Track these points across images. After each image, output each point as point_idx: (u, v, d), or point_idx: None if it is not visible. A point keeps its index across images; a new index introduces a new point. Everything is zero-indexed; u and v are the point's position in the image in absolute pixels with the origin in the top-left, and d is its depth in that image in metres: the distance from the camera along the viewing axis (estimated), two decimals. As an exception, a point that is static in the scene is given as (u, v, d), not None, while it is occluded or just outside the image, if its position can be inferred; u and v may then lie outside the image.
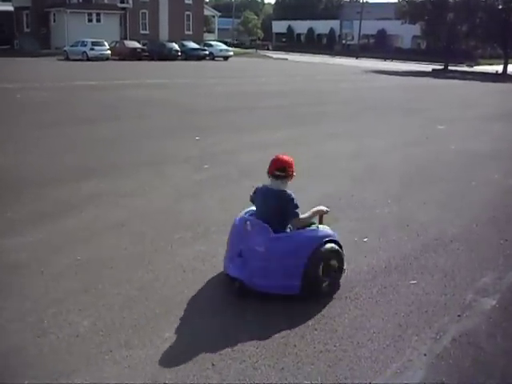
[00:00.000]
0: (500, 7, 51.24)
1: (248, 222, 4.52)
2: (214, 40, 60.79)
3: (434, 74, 45.62)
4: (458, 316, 4.27)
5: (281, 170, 4.45)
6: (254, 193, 4.69)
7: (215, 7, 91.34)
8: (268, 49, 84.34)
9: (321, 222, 4.78)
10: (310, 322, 4.08)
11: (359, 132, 13.09)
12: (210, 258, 5.17)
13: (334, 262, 4.50)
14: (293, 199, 4.41)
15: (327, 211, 4.77)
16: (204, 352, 3.67)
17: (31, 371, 3.40)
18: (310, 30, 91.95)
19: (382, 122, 15.18)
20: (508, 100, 25.49)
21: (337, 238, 4.57)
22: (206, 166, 8.79)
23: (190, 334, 3.87)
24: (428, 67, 51.29)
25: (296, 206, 4.43)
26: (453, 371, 3.59)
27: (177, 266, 4.97)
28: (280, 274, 4.36)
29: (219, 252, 5.29)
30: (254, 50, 73.50)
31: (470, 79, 39.75)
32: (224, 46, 54.28)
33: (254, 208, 4.74)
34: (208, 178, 8.19)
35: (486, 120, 16.38)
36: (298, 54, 73.15)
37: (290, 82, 28.20)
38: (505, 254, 5.61)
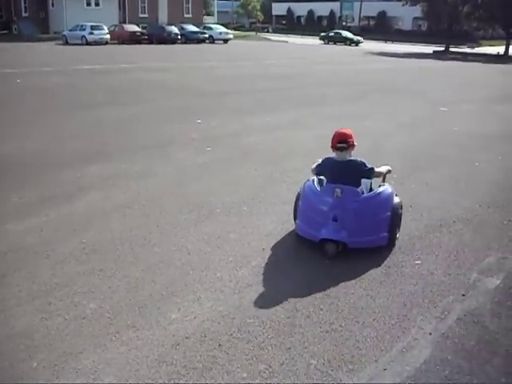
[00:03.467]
0: (502, -12, 50.89)
1: (338, 190, 4.88)
2: (213, 23, 60.48)
3: (436, 55, 45.37)
4: (463, 295, 4.29)
5: (342, 142, 4.97)
6: (324, 162, 5.15)
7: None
8: (268, 31, 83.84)
9: (384, 180, 5.40)
10: (315, 302, 4.10)
11: (362, 113, 13.05)
12: (214, 240, 5.19)
13: (400, 212, 5.23)
14: (363, 162, 5.00)
15: (391, 171, 5.44)
16: (210, 333, 3.69)
17: (39, 353, 3.43)
18: (310, 12, 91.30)
19: (384, 103, 15.15)
20: (511, 81, 25.37)
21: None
22: (208, 149, 8.79)
23: (196, 315, 3.89)
24: (429, 49, 50.96)
25: (366, 165, 5.00)
26: (458, 349, 3.62)
27: (182, 248, 4.99)
28: (372, 229, 4.94)
29: (223, 234, 5.33)
30: (254, 33, 73.10)
31: (471, 60, 39.58)
32: (223, 29, 53.98)
33: (314, 178, 5.28)
34: (211, 160, 8.19)
35: (488, 101, 16.33)
36: (299, 36, 72.75)
37: (291, 65, 28.09)
38: (509, 234, 5.61)
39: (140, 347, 3.52)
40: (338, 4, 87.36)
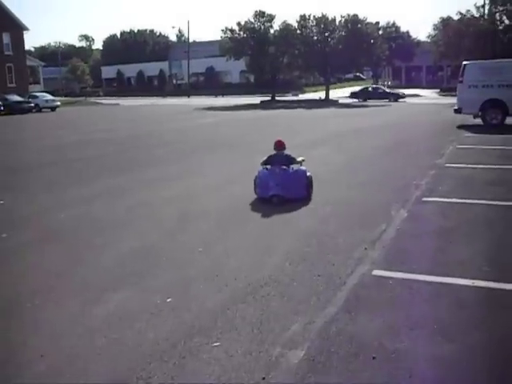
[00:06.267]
0: (315, 38, 54.55)
1: (277, 169, 9.18)
2: (40, 91, 58.37)
3: (263, 105, 47.19)
4: (263, 379, 3.81)
5: (280, 145, 9.60)
6: (269, 157, 9.54)
7: (40, 57, 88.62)
8: (99, 95, 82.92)
9: (301, 164, 9.60)
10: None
11: (186, 173, 12.69)
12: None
13: (311, 181, 9.37)
14: (290, 155, 9.56)
15: (304, 160, 9.69)
16: None
17: None
18: (140, 73, 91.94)
19: (208, 160, 14.92)
20: (329, 124, 26.67)
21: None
22: (4, 235, 7.80)
23: None
24: (257, 99, 52.97)
25: (292, 156, 9.52)
26: None
27: None
28: (298, 189, 9.07)
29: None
30: (84, 98, 71.84)
31: (296, 107, 41.57)
32: (50, 97, 52.28)
33: (267, 166, 9.48)
34: (5, 247, 7.22)
35: (309, 146, 16.78)
36: (130, 97, 72.56)
37: (118, 129, 27.41)
38: (317, 291, 5.30)
39: None
40: (166, 63, 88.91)
